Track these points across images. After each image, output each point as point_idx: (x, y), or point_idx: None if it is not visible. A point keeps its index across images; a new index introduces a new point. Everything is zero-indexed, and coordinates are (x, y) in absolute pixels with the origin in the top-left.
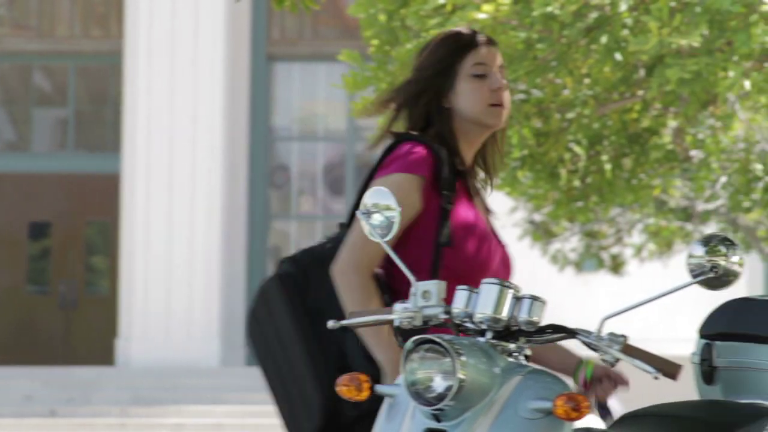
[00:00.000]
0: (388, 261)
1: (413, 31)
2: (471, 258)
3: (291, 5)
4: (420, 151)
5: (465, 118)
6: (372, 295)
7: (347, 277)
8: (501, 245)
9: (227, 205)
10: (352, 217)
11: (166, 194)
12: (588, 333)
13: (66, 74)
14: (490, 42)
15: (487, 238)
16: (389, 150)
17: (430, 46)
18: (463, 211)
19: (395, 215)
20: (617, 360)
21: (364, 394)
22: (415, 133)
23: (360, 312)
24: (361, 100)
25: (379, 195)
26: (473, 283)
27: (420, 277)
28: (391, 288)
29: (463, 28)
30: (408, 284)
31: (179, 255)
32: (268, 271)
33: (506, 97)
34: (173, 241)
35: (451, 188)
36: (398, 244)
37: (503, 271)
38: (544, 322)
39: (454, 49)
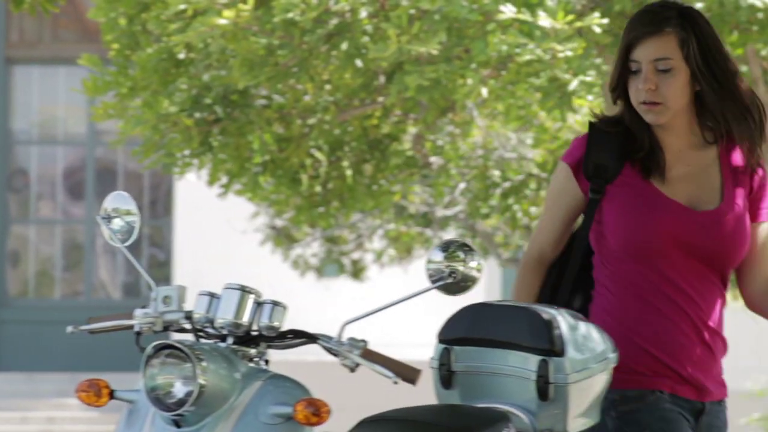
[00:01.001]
0: (594, 249)
1: (154, 36)
2: (627, 241)
3: (29, 8)
4: (578, 138)
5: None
6: (527, 286)
7: (518, 270)
8: (699, 220)
9: None
10: None
11: None
12: (329, 338)
13: None
14: (652, 32)
15: (667, 216)
16: None
17: None
18: (622, 196)
19: (135, 220)
20: (357, 365)
21: (104, 400)
22: (594, 120)
23: (101, 317)
24: (101, 104)
25: (119, 199)
26: (643, 266)
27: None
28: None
29: (635, 17)
30: (607, 272)
31: None
32: (6, 275)
33: (661, 92)
34: None
35: (600, 174)
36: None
37: (705, 246)
38: (285, 327)
39: (622, 42)
